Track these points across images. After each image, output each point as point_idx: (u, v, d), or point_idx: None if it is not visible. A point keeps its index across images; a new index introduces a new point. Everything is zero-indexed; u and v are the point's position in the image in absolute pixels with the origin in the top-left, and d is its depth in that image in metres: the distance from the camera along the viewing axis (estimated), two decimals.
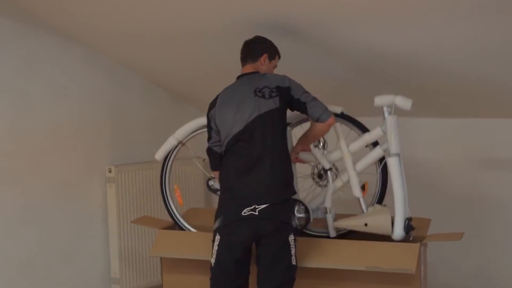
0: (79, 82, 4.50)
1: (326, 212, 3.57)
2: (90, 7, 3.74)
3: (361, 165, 3.51)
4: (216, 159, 3.49)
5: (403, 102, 3.33)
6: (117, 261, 4.59)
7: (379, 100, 3.37)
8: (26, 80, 4.20)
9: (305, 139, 3.54)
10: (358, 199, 3.52)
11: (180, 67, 4.46)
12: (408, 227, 3.35)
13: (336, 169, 3.60)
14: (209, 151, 3.52)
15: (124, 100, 4.77)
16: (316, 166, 3.64)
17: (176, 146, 3.86)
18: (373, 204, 3.55)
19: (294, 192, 3.39)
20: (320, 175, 3.61)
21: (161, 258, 3.87)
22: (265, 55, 3.50)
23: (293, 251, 3.31)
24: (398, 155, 3.36)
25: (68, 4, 3.78)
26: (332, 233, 3.58)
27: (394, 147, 3.36)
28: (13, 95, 4.14)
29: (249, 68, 3.51)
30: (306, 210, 3.52)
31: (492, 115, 4.08)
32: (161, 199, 3.95)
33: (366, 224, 3.42)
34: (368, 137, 3.50)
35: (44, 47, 4.28)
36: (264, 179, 3.29)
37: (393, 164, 3.34)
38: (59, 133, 4.39)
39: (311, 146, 3.56)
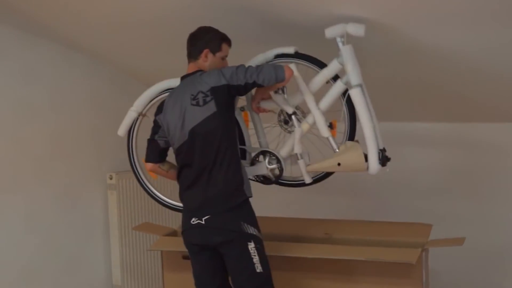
0: (80, 90, 4.51)
1: (298, 159, 3.40)
2: (90, 11, 3.74)
3: (324, 103, 3.30)
4: (154, 150, 3.44)
5: (355, 29, 3.12)
6: (119, 268, 4.59)
7: (330, 31, 3.18)
8: (27, 88, 4.21)
9: (263, 89, 3.34)
10: (328, 139, 3.33)
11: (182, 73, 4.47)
12: (383, 158, 3.18)
13: (302, 112, 3.41)
14: (151, 141, 3.44)
15: (125, 106, 4.73)
16: (281, 112, 3.46)
17: (137, 118, 3.72)
18: (344, 142, 3.38)
19: (245, 196, 3.21)
20: (286, 121, 3.44)
21: (161, 256, 3.85)
22: (206, 51, 3.28)
23: (255, 259, 3.19)
24: (360, 85, 3.17)
25: (67, 11, 3.78)
26: (307, 179, 3.45)
27: (354, 78, 3.17)
28: (14, 103, 4.14)
29: (192, 67, 3.33)
30: (278, 160, 3.41)
31: None
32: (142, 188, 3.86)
33: (339, 164, 3.26)
34: (326, 72, 3.29)
35: (45, 55, 4.29)
36: (206, 190, 3.19)
37: (356, 96, 3.16)
38: (60, 140, 4.40)
39: (271, 93, 3.38)
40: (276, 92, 3.35)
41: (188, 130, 3.19)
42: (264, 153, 3.44)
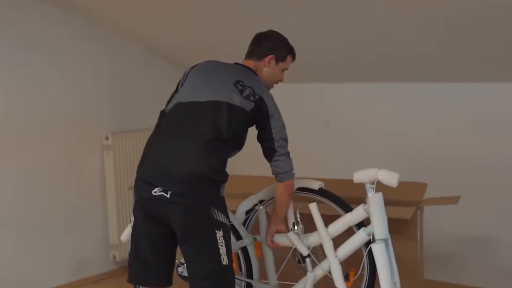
0: (78, 52, 4.50)
1: None
2: None
3: (343, 251, 3.03)
4: None
5: (389, 177, 2.86)
6: (116, 227, 4.62)
7: (359, 176, 2.92)
8: (25, 51, 4.20)
9: (275, 216, 3.18)
10: None
11: (179, 35, 4.45)
12: None
13: (319, 253, 3.14)
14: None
15: (122, 68, 4.76)
16: (295, 250, 3.19)
17: None
18: None
19: (219, 185, 2.89)
20: (299, 261, 3.17)
21: None
22: (271, 56, 3.15)
23: (222, 250, 2.84)
24: (385, 240, 2.88)
25: None
26: None
27: (379, 231, 2.88)
28: (12, 67, 4.14)
29: (249, 63, 3.16)
30: None
31: None
32: None
33: None
34: (349, 219, 3.04)
35: (43, 18, 4.27)
36: (182, 162, 2.82)
37: (379, 253, 2.85)
38: (58, 102, 4.40)
39: (287, 229, 3.16)
40: (291, 229, 3.13)
41: (214, 98, 2.94)
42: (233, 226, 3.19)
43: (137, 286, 3.03)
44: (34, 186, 4.30)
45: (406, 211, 3.26)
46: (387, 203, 3.42)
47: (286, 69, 3.22)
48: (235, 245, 3.28)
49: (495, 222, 4.19)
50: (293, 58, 3.23)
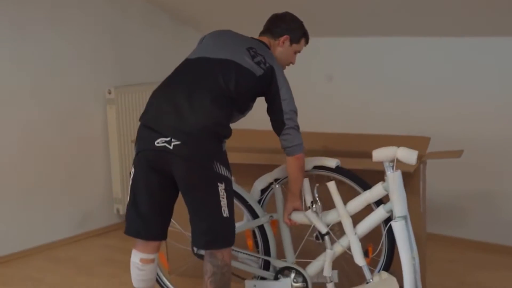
0: (79, 6, 4.46)
1: (327, 282, 3.16)
2: None
3: (362, 228, 3.05)
4: None
5: (407, 155, 2.86)
6: (119, 181, 4.64)
7: (378, 154, 2.92)
8: (25, 4, 4.15)
9: (290, 193, 3.18)
10: (362, 267, 3.07)
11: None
12: None
13: (338, 230, 3.16)
14: None
15: (124, 22, 4.73)
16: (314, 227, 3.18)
17: None
18: (378, 271, 3.15)
19: (222, 138, 2.90)
20: (318, 237, 3.16)
21: None
22: (286, 37, 3.17)
23: (223, 202, 2.87)
24: (404, 217, 2.90)
25: None
26: None
27: (398, 209, 2.89)
28: (12, 20, 4.10)
29: (264, 39, 3.18)
30: (304, 279, 3.20)
31: None
32: None
33: None
34: (368, 196, 3.05)
35: None
36: (187, 114, 2.81)
37: (399, 230, 2.88)
38: (59, 56, 4.38)
39: (304, 207, 3.15)
40: (309, 207, 3.13)
41: (225, 57, 2.96)
42: (290, 269, 3.23)
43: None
44: (37, 141, 4.30)
45: (409, 164, 3.25)
46: None
47: (299, 51, 3.25)
48: (252, 223, 3.30)
49: (498, 176, 4.19)
50: (306, 41, 3.26)
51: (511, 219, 4.18)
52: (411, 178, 3.19)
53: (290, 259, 3.27)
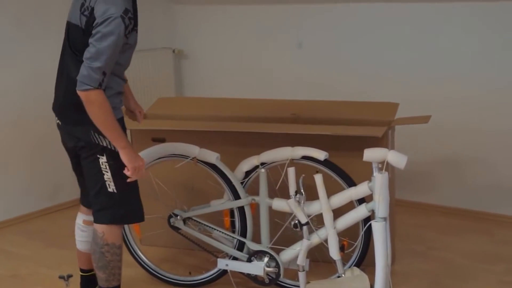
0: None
1: (299, 270, 3.14)
2: None
3: (342, 223, 3.09)
4: None
5: (397, 159, 2.90)
6: None
7: (369, 155, 2.93)
8: None
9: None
10: (335, 260, 3.10)
11: None
12: None
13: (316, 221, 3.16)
14: None
15: None
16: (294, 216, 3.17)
17: None
18: (350, 266, 3.21)
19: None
20: (296, 225, 3.14)
21: (131, 136, 3.78)
22: None
23: (106, 176, 2.82)
24: (385, 219, 2.94)
25: None
26: None
27: (381, 211, 2.93)
28: None
29: None
30: (277, 264, 3.22)
31: None
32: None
33: None
34: (353, 193, 3.09)
35: None
36: (63, 89, 2.83)
37: (378, 230, 2.92)
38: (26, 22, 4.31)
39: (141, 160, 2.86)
40: (294, 197, 3.10)
41: (68, 18, 2.85)
42: (264, 253, 3.25)
43: None
44: (6, 112, 4.25)
45: (377, 129, 3.29)
46: (360, 123, 3.47)
47: None
48: (232, 203, 3.30)
49: (465, 142, 4.25)
50: None
51: (477, 184, 4.25)
52: (379, 143, 3.23)
53: (265, 243, 3.29)
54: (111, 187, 2.83)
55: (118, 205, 2.88)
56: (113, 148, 2.80)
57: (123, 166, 2.79)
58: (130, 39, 2.78)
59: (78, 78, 2.65)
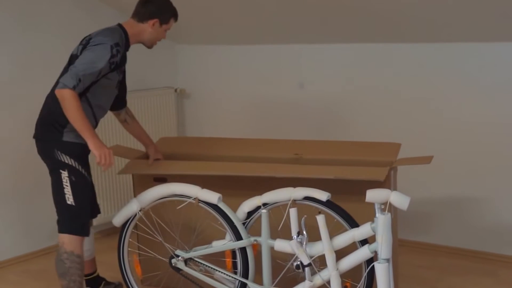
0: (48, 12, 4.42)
1: None
2: None
3: (345, 265, 3.08)
4: None
5: (400, 200, 2.93)
6: None
7: (372, 195, 2.95)
8: None
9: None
10: None
11: None
12: None
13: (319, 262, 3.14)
14: None
15: (92, 29, 4.68)
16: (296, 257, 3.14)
17: (137, 213, 3.42)
18: None
19: (61, 124, 3.21)
20: (298, 266, 3.12)
21: (133, 180, 3.82)
22: (155, 20, 3.35)
23: (67, 189, 3.20)
24: (388, 260, 2.93)
25: None
26: None
27: (384, 252, 2.92)
28: None
29: (129, 24, 3.36)
30: None
31: None
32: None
33: None
34: (355, 234, 3.08)
35: None
36: (40, 111, 3.35)
37: (381, 271, 2.91)
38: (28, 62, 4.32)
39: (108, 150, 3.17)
40: (296, 237, 3.08)
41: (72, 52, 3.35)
42: None
43: None
44: (6, 152, 4.25)
45: (379, 171, 3.27)
46: (361, 163, 3.47)
47: (169, 29, 3.44)
48: (235, 244, 3.28)
49: (467, 182, 4.23)
50: (176, 20, 3.44)
51: (481, 224, 4.22)
52: (382, 184, 3.22)
53: (267, 284, 3.26)
54: (70, 200, 3.19)
55: (72, 215, 3.22)
56: (73, 164, 3.18)
57: (82, 182, 3.20)
58: (112, 75, 3.20)
59: (64, 79, 3.09)
